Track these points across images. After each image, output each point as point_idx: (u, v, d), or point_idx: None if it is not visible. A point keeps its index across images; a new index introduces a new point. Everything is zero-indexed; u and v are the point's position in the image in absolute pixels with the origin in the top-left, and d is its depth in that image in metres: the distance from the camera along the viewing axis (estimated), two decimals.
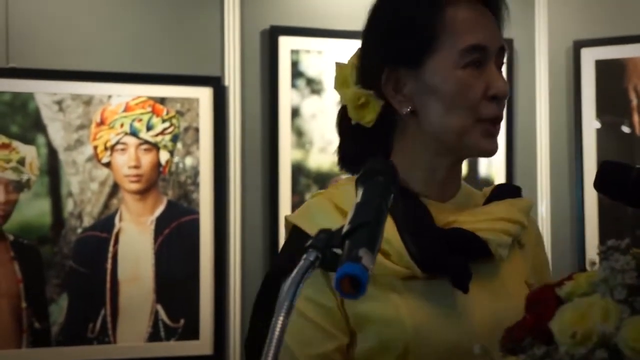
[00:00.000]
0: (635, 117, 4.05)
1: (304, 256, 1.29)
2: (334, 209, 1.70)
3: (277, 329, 1.22)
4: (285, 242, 1.77)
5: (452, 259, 1.64)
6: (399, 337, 1.62)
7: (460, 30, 1.69)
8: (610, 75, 4.10)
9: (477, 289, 1.65)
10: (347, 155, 1.86)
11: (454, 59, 1.69)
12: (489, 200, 1.80)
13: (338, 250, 1.30)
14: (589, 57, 4.14)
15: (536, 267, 1.86)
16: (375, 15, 1.78)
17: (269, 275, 1.74)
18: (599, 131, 4.12)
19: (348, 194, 1.67)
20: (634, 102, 4.06)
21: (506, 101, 1.73)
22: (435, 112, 1.71)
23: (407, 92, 1.73)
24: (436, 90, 1.70)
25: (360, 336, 1.66)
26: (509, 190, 1.85)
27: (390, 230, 1.62)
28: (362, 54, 1.78)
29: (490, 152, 1.73)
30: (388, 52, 1.74)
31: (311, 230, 1.61)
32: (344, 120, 1.84)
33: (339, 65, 1.82)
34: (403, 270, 1.63)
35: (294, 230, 1.72)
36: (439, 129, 1.72)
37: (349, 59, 1.81)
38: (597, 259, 1.35)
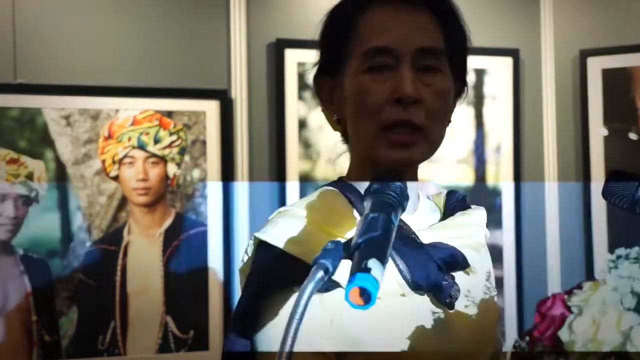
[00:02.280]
0: None
1: (314, 268, 1.29)
2: (312, 226, 1.63)
3: (287, 342, 1.22)
4: (259, 264, 1.64)
5: (443, 276, 1.62)
6: (395, 358, 1.58)
7: (367, 34, 1.65)
8: (617, 83, 4.10)
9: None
10: None
11: (358, 63, 1.65)
12: (448, 210, 1.77)
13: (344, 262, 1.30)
14: (596, 66, 4.14)
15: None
16: None
17: (244, 300, 1.61)
18: (606, 138, 4.12)
19: (324, 210, 1.67)
20: None
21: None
22: (349, 120, 1.68)
23: (335, 100, 1.71)
24: (346, 97, 1.67)
25: (355, 357, 1.59)
26: (462, 198, 1.81)
27: None
28: None
29: (400, 162, 1.63)
30: (318, 62, 1.75)
31: (294, 249, 1.57)
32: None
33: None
34: (395, 289, 1.59)
35: (269, 250, 1.61)
36: (354, 138, 1.69)
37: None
38: (606, 267, 1.36)
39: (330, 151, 3.85)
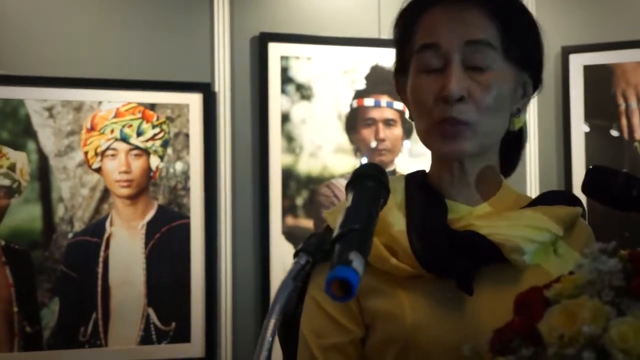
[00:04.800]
0: (623, 121, 4.07)
1: (295, 260, 1.30)
2: None
3: (269, 331, 1.23)
4: None
5: (455, 260, 1.63)
6: (399, 333, 1.64)
7: (420, 34, 1.71)
8: (598, 80, 4.12)
9: (491, 293, 1.65)
10: None
11: (415, 63, 1.72)
12: (529, 206, 1.77)
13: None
14: (578, 62, 4.16)
15: None
16: None
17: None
18: (587, 135, 4.14)
19: None
20: (622, 106, 4.08)
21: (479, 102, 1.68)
22: (413, 117, 1.75)
23: (407, 98, 1.77)
24: (409, 96, 1.75)
25: (372, 331, 1.68)
26: (555, 198, 1.81)
27: (400, 229, 1.65)
28: None
29: (449, 154, 1.71)
30: (394, 62, 1.80)
31: (334, 226, 1.66)
32: None
33: None
34: (409, 269, 1.64)
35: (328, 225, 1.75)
36: (418, 134, 1.75)
37: None
38: (584, 261, 1.37)
39: (312, 144, 3.86)
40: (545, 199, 1.81)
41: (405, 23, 1.76)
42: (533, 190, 4.26)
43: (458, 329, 1.64)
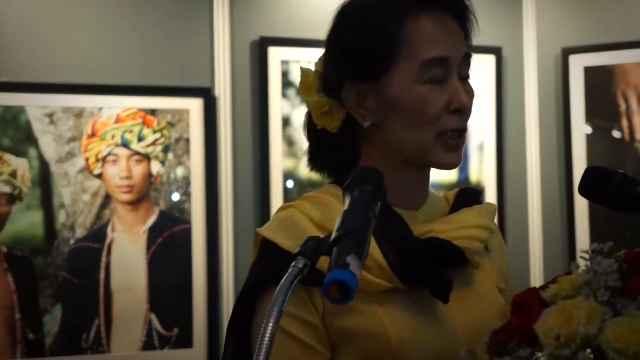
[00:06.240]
0: (624, 122, 4.08)
1: (293, 264, 1.30)
2: (308, 222, 1.66)
3: (267, 336, 1.24)
4: (258, 258, 1.72)
5: (433, 270, 1.63)
6: (385, 351, 1.60)
7: (420, 44, 1.66)
8: (599, 81, 4.12)
9: (455, 297, 1.64)
10: (316, 159, 1.84)
11: (413, 73, 1.65)
12: (455, 206, 1.78)
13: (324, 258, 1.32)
14: (578, 64, 4.16)
15: (501, 270, 1.83)
16: (336, 28, 1.76)
17: (243, 293, 1.70)
18: (589, 137, 4.14)
19: (322, 206, 1.69)
20: (623, 107, 4.08)
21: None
22: (396, 127, 1.68)
23: (369, 105, 1.70)
24: (396, 106, 1.67)
25: (343, 351, 1.63)
26: (472, 195, 1.83)
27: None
28: (325, 64, 1.76)
29: (453, 165, 1.70)
30: (348, 66, 1.71)
31: (287, 244, 1.62)
32: (311, 124, 1.81)
33: (303, 71, 1.79)
34: (384, 283, 1.61)
35: (268, 245, 1.68)
36: (401, 143, 1.69)
37: (314, 64, 1.79)
38: (581, 262, 1.37)
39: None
40: (469, 196, 1.83)
41: (385, 29, 1.68)
42: (535, 193, 4.26)
43: (440, 337, 1.64)
